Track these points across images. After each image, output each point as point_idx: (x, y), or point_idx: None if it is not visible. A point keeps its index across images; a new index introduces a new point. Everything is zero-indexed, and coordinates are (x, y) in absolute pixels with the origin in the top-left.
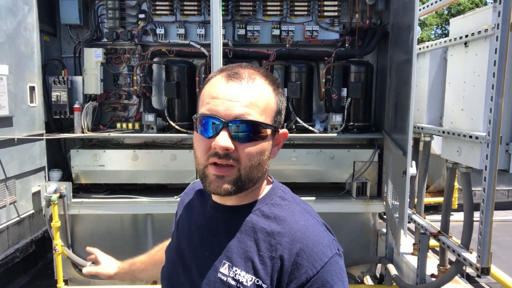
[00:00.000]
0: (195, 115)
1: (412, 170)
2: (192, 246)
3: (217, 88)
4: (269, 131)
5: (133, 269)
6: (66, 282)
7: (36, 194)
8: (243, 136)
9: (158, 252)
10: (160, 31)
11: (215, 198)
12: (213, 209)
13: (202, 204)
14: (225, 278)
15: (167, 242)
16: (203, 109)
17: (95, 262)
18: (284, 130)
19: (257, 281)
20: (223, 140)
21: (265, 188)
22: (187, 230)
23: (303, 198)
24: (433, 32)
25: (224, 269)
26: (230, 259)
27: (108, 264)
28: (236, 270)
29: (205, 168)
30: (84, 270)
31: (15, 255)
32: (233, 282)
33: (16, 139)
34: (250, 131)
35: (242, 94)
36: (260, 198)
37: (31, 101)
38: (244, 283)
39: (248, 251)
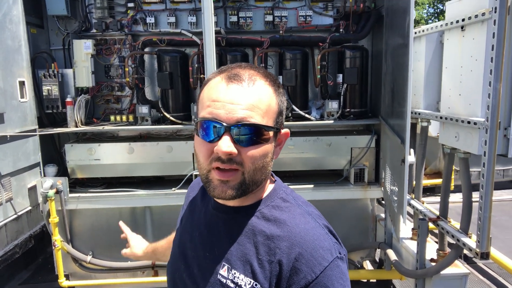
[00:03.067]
0: (195, 119)
1: (410, 158)
2: (193, 244)
3: (217, 90)
4: (271, 133)
5: (156, 253)
6: (67, 277)
7: (32, 189)
8: (246, 139)
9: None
10: (150, 20)
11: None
12: (215, 209)
13: (205, 202)
14: (224, 280)
15: None
16: (203, 112)
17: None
18: (286, 130)
19: (256, 285)
20: (226, 145)
21: (267, 188)
22: (189, 227)
23: (301, 186)
24: (425, 11)
25: (223, 271)
26: (229, 261)
27: (135, 247)
28: (235, 273)
29: (208, 172)
30: (122, 252)
31: (14, 251)
32: (231, 285)
33: (8, 136)
34: (252, 134)
35: (243, 96)
36: (262, 200)
37: (22, 96)
38: (243, 286)
39: (247, 254)
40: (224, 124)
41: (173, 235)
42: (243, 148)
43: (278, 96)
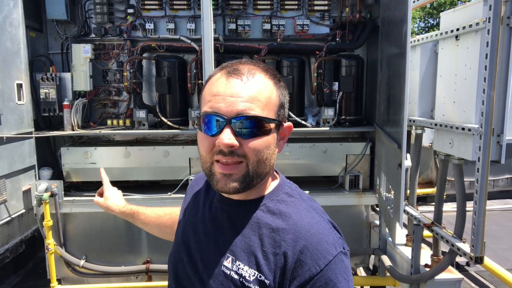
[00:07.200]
0: (198, 113)
1: (407, 162)
2: (197, 237)
3: (218, 85)
4: (272, 125)
5: (135, 217)
6: (59, 281)
7: (26, 193)
8: (247, 132)
9: (165, 217)
10: (149, 26)
11: None
12: (220, 202)
13: (209, 196)
14: (228, 272)
15: (176, 209)
16: (205, 107)
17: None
18: (289, 123)
19: (260, 277)
20: (227, 137)
21: (272, 184)
22: (193, 220)
23: None
24: (416, 25)
25: (227, 263)
26: (233, 253)
27: (110, 200)
28: (239, 265)
29: (211, 165)
30: (94, 199)
31: (5, 255)
32: (236, 276)
33: (4, 138)
34: (253, 126)
35: (243, 89)
36: (267, 194)
37: (19, 99)
38: (247, 277)
39: (252, 246)
40: (225, 117)
41: (166, 212)
42: (244, 140)
43: (279, 89)
